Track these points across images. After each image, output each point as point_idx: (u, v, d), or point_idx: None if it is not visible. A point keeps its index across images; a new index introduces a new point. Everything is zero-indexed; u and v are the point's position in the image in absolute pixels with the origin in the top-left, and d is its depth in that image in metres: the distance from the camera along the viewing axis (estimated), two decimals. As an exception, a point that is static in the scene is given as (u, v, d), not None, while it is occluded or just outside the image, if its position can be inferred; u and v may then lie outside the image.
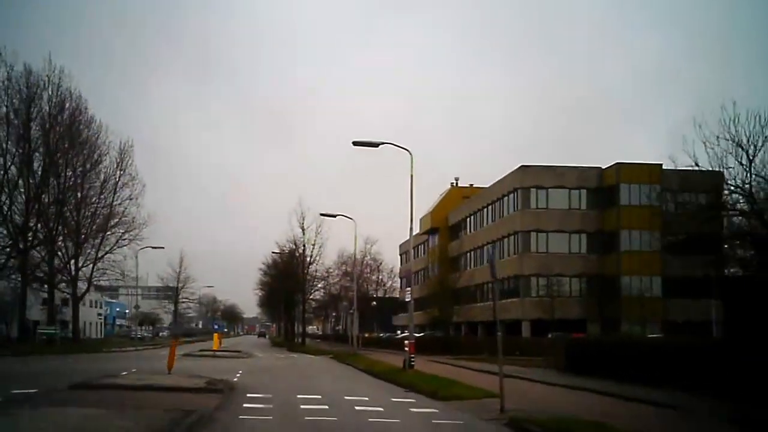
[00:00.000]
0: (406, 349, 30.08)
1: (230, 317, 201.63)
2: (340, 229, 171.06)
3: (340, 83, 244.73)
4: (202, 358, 44.00)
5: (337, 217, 46.61)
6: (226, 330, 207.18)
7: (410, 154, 28.53)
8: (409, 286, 30.35)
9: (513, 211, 67.80)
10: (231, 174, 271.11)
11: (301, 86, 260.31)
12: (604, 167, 67.30)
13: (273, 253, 72.53)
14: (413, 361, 29.01)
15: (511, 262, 67.21)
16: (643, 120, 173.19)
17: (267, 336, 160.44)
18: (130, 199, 72.65)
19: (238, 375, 28.70)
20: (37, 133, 63.06)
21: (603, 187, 66.34)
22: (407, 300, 30.21)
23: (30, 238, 64.41)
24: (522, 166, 67.06)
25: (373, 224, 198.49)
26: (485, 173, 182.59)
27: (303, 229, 68.68)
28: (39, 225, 65.79)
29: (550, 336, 59.65)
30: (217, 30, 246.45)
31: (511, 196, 68.09)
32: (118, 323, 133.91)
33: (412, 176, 28.94)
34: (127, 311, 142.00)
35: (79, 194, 69.84)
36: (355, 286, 49.23)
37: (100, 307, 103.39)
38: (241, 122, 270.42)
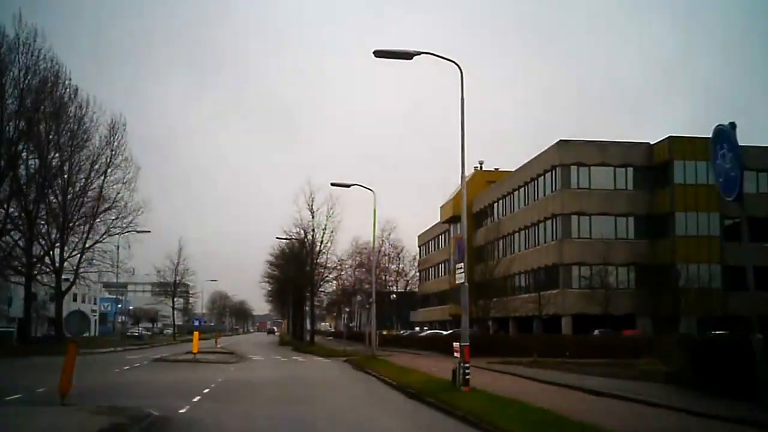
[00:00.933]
0: (457, 354, 20.02)
1: (240, 314, 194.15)
2: (354, 213, 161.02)
3: (347, 73, 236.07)
4: (174, 365, 34.93)
5: (352, 187, 37.74)
6: (237, 327, 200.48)
7: (459, 67, 19.58)
8: (462, 261, 20.90)
9: (551, 192, 58.92)
10: (237, 166, 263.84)
11: (309, 75, 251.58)
12: (652, 142, 58.49)
13: (277, 238, 63.42)
14: (468, 373, 19.27)
15: (548, 250, 58.52)
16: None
17: (277, 333, 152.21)
18: (123, 183, 65.61)
19: (197, 398, 19.07)
20: (11, 101, 55.02)
21: (653, 164, 57.45)
22: (459, 282, 20.85)
23: (1, 220, 56.28)
24: (561, 140, 58.31)
25: (388, 216, 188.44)
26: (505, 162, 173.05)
27: (312, 212, 59.86)
28: (12, 206, 57.80)
29: (596, 333, 51.10)
30: (218, 19, 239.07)
31: (549, 175, 59.22)
32: (120, 320, 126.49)
33: (462, 98, 19.98)
34: (131, 307, 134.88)
35: (65, 167, 62.29)
36: (374, 273, 39.90)
37: (95, 303, 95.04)
38: (245, 113, 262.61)
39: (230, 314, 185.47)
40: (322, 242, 60.67)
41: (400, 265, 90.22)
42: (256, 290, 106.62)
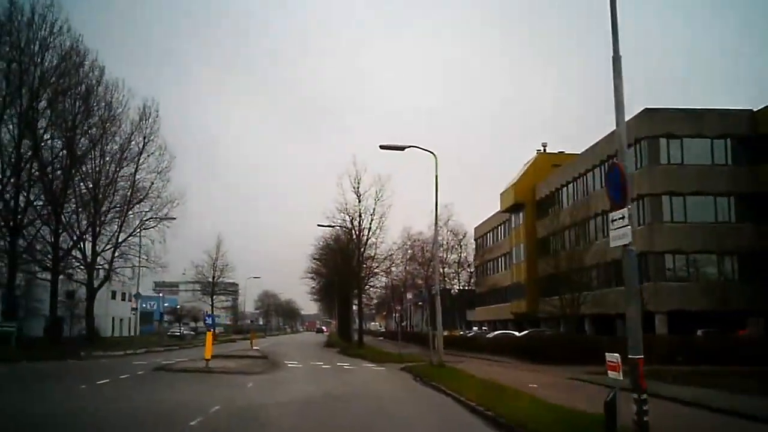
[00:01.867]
0: (614, 373, 11.19)
1: (288, 313, 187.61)
2: (405, 195, 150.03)
3: (390, 65, 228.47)
4: (174, 376, 26.08)
5: (407, 149, 29.01)
6: (285, 327, 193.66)
7: None
8: (624, 205, 11.82)
9: (636, 169, 49.79)
10: (278, 157, 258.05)
11: (349, 62, 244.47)
12: (755, 109, 49.10)
13: (319, 226, 55.01)
14: (647, 411, 10.24)
15: (635, 236, 48.98)
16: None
17: (326, 333, 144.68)
18: (158, 173, 59.10)
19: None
20: (32, 78, 48.15)
21: (758, 134, 47.98)
22: (621, 242, 11.38)
23: (21, 209, 49.38)
24: (646, 109, 49.35)
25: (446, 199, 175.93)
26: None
27: (358, 195, 51.39)
28: (33, 193, 51.05)
29: (699, 333, 42.01)
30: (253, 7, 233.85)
31: (633, 149, 50.02)
32: (166, 320, 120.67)
33: None
34: (177, 306, 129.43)
35: (95, 152, 56.05)
36: (436, 256, 30.71)
37: (135, 301, 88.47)
38: (284, 101, 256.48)
39: (278, 313, 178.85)
40: (369, 229, 52.10)
41: (463, 254, 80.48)
42: (304, 288, 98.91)
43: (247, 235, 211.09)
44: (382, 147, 29.42)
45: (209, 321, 29.06)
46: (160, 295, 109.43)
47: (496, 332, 52.62)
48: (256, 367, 29.95)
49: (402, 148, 29.43)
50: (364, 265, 53.83)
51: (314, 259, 73.07)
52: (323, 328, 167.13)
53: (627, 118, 38.39)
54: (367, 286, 59.75)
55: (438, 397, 19.72)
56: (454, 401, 18.07)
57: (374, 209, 51.99)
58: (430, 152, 29.16)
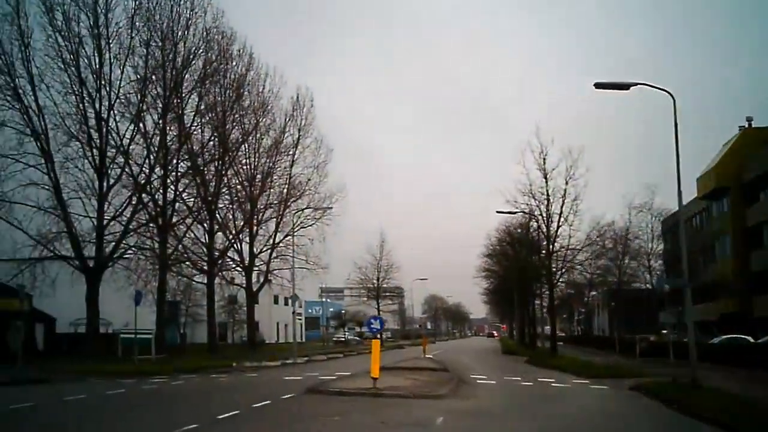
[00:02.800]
0: None
1: (457, 317, 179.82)
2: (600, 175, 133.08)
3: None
4: (334, 403, 17.44)
5: (630, 89, 19.86)
6: (454, 331, 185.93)
7: None
8: None
9: None
10: (447, 157, 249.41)
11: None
12: None
13: (498, 212, 45.17)
14: None
15: None
16: None
17: (497, 337, 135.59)
18: (315, 168, 53.41)
19: None
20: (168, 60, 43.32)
21: None
22: None
23: (169, 205, 44.70)
24: None
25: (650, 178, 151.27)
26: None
27: (545, 174, 41.53)
28: (184, 192, 46.36)
29: None
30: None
31: None
32: (332, 324, 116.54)
33: None
34: (342, 311, 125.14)
35: (248, 146, 51.51)
36: (683, 234, 20.35)
37: (300, 306, 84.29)
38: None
39: (446, 317, 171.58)
40: (560, 214, 42.02)
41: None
42: (472, 291, 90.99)
43: (410, 237, 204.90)
44: (597, 86, 20.49)
45: (373, 325, 20.37)
46: (326, 299, 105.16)
47: (722, 337, 41.52)
48: (439, 387, 21.01)
49: (626, 87, 20.42)
50: (554, 257, 43.84)
51: (486, 256, 64.37)
52: (494, 332, 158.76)
53: None
54: (560, 282, 49.95)
55: None
56: None
57: (565, 190, 41.88)
58: (666, 91, 20.01)
